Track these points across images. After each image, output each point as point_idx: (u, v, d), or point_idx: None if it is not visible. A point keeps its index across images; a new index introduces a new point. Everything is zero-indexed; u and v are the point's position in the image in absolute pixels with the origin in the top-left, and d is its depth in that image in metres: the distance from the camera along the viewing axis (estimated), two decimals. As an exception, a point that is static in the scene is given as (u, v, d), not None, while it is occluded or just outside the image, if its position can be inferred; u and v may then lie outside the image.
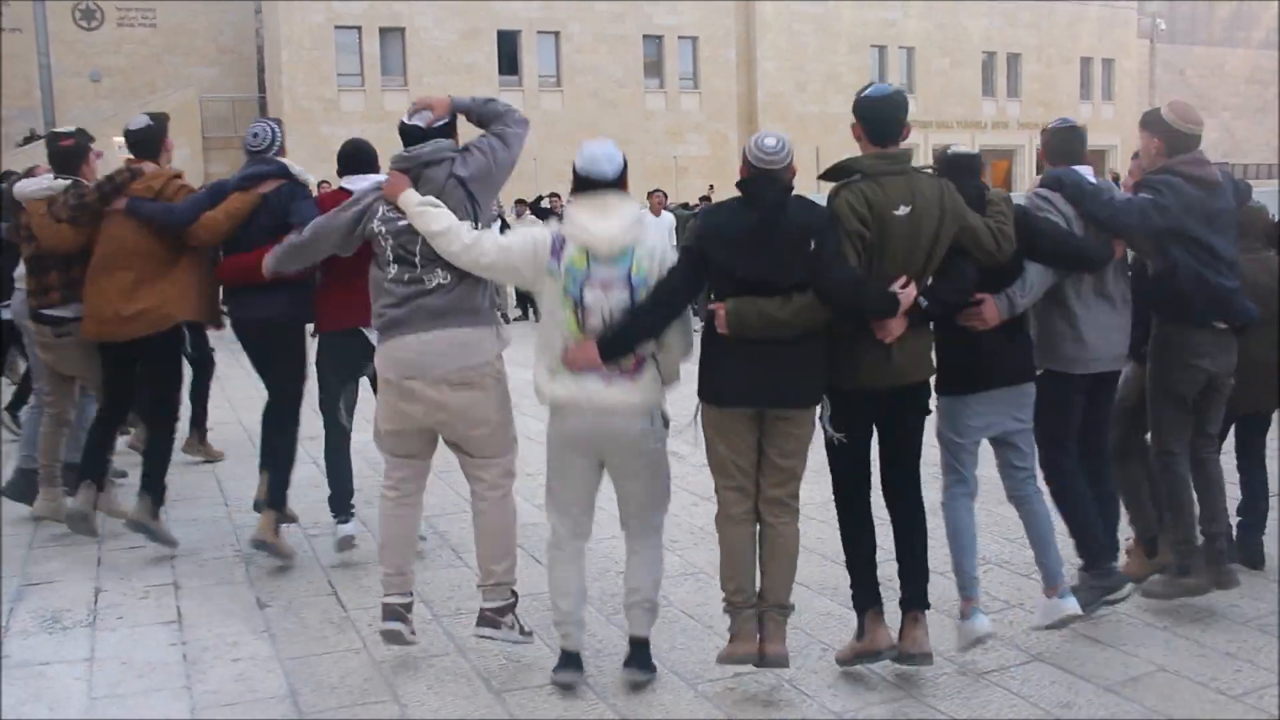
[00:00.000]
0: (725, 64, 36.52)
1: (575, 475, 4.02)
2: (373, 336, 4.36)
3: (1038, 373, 4.29)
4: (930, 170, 4.00)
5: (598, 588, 4.99)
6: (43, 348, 5.83)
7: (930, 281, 3.87)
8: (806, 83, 38.01)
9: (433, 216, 3.95)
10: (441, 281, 3.99)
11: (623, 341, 3.77)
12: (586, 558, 4.25)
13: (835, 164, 3.99)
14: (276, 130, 5.55)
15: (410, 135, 4.23)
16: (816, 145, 36.80)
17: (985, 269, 3.97)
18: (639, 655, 4.04)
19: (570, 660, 4.05)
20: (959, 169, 4.12)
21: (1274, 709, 3.77)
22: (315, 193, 5.80)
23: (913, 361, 3.92)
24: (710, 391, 3.85)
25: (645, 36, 35.27)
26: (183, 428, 6.25)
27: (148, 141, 5.49)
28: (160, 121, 5.57)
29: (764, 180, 3.75)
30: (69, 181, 5.50)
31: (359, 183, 5.15)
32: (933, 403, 4.19)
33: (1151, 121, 4.54)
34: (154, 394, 5.62)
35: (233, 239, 5.25)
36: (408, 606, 4.20)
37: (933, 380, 4.14)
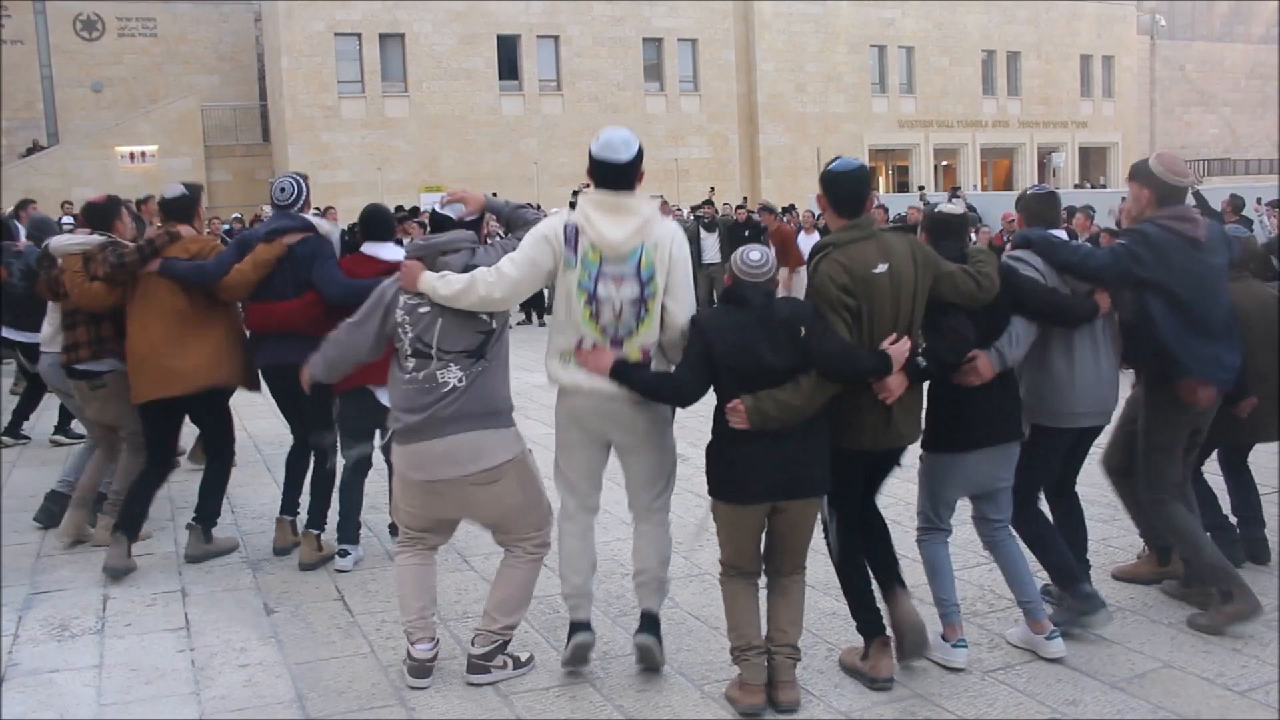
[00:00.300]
0: (725, 65, 36.53)
1: (581, 453, 4.11)
2: (382, 396, 4.39)
3: (1026, 430, 4.33)
4: (894, 226, 4.02)
5: (604, 590, 5.01)
6: (83, 400, 5.96)
7: (925, 342, 3.95)
8: (806, 83, 38.00)
9: (448, 283, 3.96)
10: (456, 384, 3.96)
11: (632, 382, 3.90)
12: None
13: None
14: (303, 185, 5.69)
15: (439, 224, 4.34)
16: (817, 146, 36.86)
17: (976, 325, 4.01)
18: (649, 625, 4.13)
19: (581, 626, 4.14)
20: (944, 230, 4.23)
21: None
22: (336, 238, 5.91)
23: (911, 423, 4.07)
24: (728, 489, 3.85)
25: (644, 39, 35.27)
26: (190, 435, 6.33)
27: (183, 208, 5.67)
28: (195, 191, 5.81)
29: (751, 287, 3.84)
30: (104, 239, 5.64)
31: (380, 250, 5.51)
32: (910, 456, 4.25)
33: (1141, 173, 4.49)
34: (206, 438, 5.93)
35: (259, 288, 5.40)
36: (434, 656, 4.17)
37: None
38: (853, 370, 3.77)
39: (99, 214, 5.85)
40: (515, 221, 4.45)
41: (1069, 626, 4.31)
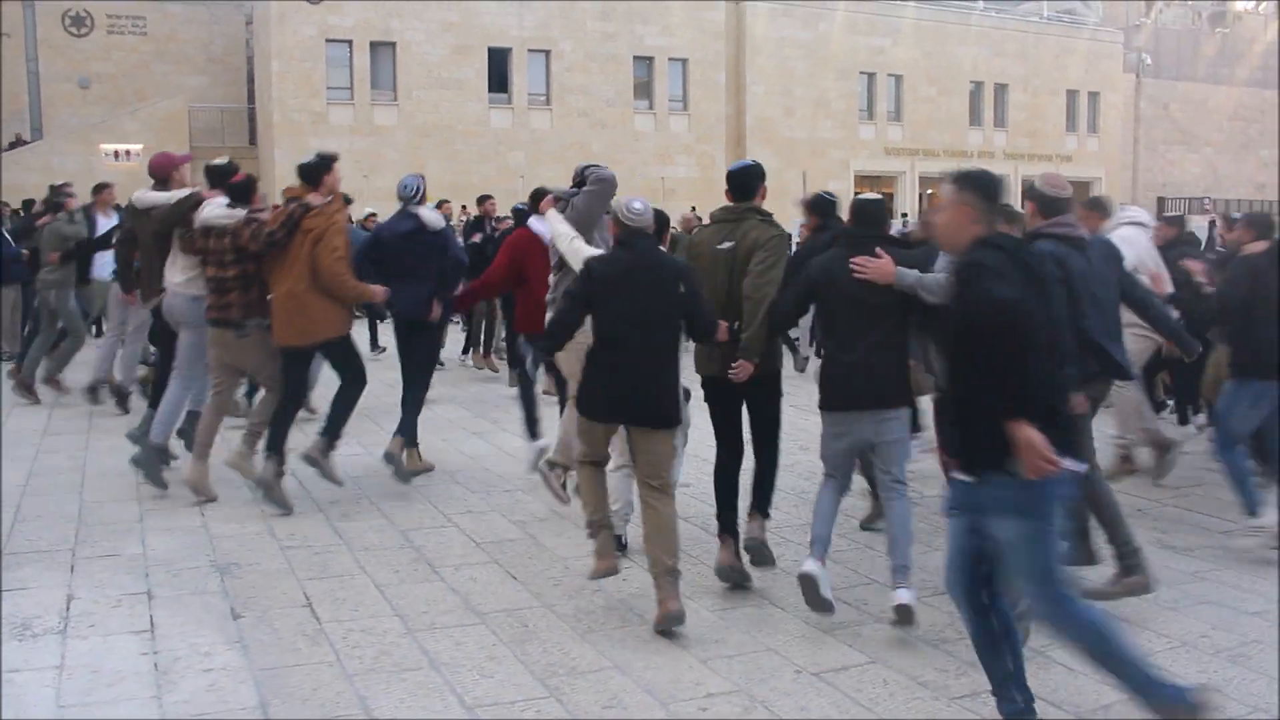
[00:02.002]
0: (715, 86, 36.67)
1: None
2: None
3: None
4: (760, 218, 5.23)
5: (572, 605, 5.00)
6: (222, 347, 6.74)
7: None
8: (795, 107, 38.18)
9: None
10: None
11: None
12: (562, 577, 4.25)
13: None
14: (422, 185, 7.35)
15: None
16: (804, 170, 37.01)
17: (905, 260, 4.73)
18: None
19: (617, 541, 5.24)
20: (861, 215, 4.99)
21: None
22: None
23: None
24: (583, 405, 4.88)
25: (636, 57, 35.39)
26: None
27: (313, 172, 6.60)
28: (325, 158, 6.70)
29: (633, 232, 4.80)
30: (246, 213, 6.62)
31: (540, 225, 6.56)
32: None
33: (1028, 191, 5.14)
34: (342, 373, 6.81)
35: (401, 268, 7.00)
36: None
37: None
38: (704, 335, 4.92)
39: (240, 190, 6.76)
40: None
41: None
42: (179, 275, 6.98)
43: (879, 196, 5.26)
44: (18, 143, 31.56)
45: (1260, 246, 6.10)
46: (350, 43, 31.72)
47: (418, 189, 7.24)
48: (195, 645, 4.52)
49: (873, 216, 4.96)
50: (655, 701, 4.06)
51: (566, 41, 34.15)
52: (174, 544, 5.90)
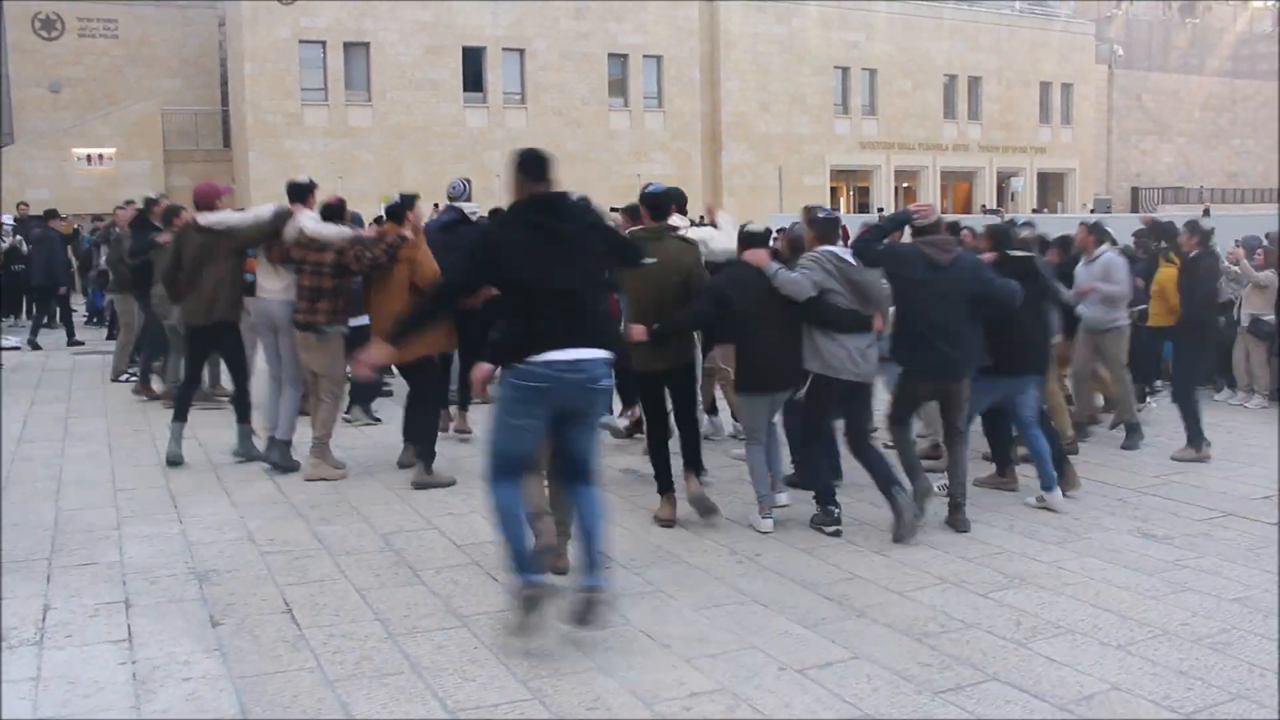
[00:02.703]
0: (690, 83, 36.68)
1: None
2: None
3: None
4: (679, 236, 6.35)
5: (555, 606, 4.97)
6: (305, 348, 7.43)
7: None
8: (770, 103, 38.23)
9: None
10: None
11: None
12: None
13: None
14: (468, 186, 8.59)
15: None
16: (780, 165, 37.10)
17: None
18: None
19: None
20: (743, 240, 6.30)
21: (1224, 727, 3.82)
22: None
23: (662, 356, 6.13)
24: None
25: (610, 55, 35.36)
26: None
27: (399, 210, 7.37)
28: (406, 198, 7.53)
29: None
30: (351, 233, 7.41)
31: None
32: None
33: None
34: (420, 390, 7.48)
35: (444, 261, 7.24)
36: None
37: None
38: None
39: (333, 213, 7.52)
40: None
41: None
42: (278, 283, 7.62)
43: (762, 229, 6.45)
44: (-13, 148, 31.28)
45: (990, 257, 6.64)
46: (324, 44, 31.56)
47: (464, 189, 8.38)
48: (174, 654, 4.47)
49: (760, 238, 6.27)
50: (639, 702, 4.04)
51: (541, 40, 34.10)
52: (152, 551, 5.84)
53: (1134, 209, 46.03)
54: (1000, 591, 5.19)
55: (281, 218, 7.45)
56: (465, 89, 33.38)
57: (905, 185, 41.95)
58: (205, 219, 7.68)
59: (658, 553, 5.77)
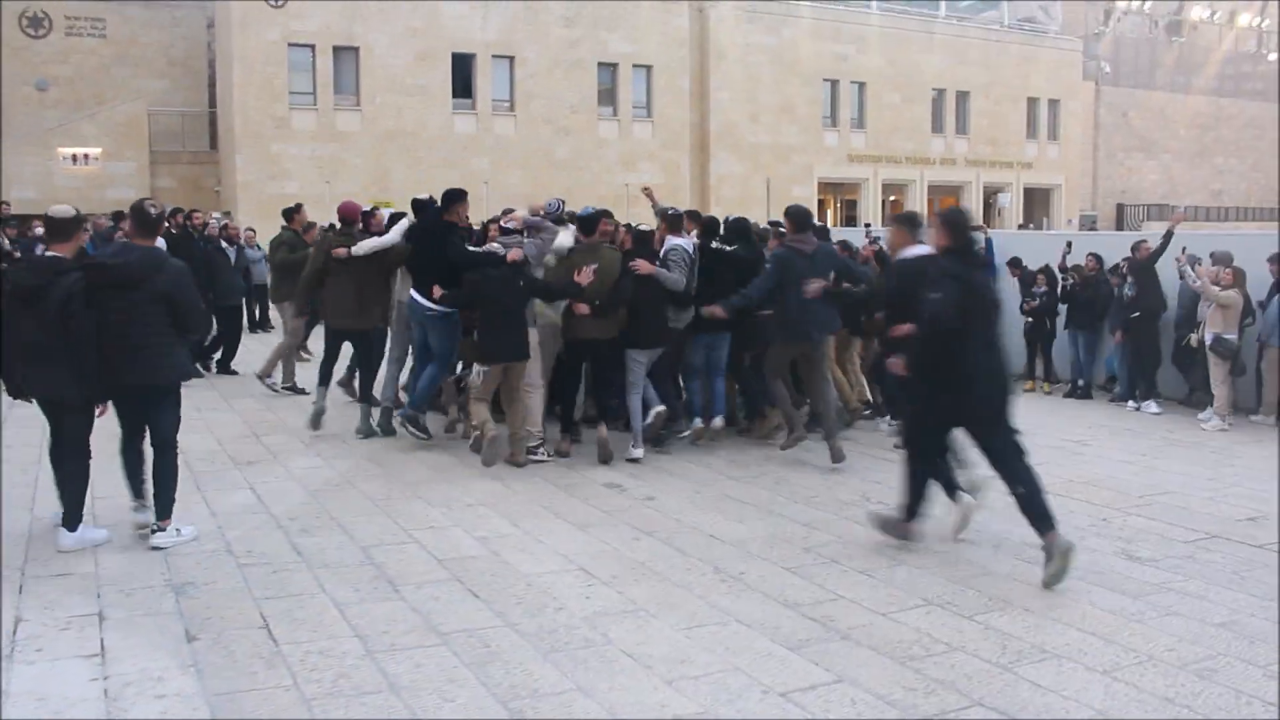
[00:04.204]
0: (679, 93, 36.71)
1: None
2: None
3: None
4: (610, 246, 8.49)
5: (535, 623, 4.91)
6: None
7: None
8: (759, 113, 38.30)
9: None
10: None
11: None
12: (525, 595, 4.15)
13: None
14: (563, 204, 9.37)
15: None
16: (768, 176, 37.12)
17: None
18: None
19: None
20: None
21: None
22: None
23: (598, 328, 8.11)
24: (483, 357, 8.06)
25: (600, 64, 35.37)
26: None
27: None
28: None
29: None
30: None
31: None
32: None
33: (789, 216, 8.34)
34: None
35: None
36: None
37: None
38: (547, 293, 8.33)
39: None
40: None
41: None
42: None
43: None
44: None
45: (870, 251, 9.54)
46: (313, 47, 31.47)
47: (560, 207, 9.26)
48: (147, 670, 4.39)
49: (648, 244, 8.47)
50: (620, 724, 3.98)
51: (531, 48, 34.07)
52: (127, 562, 5.75)
53: (1119, 226, 46.32)
54: (985, 614, 5.15)
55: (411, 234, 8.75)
56: (454, 95, 33.34)
57: (892, 198, 42.04)
58: (360, 249, 8.90)
59: (640, 570, 5.70)
